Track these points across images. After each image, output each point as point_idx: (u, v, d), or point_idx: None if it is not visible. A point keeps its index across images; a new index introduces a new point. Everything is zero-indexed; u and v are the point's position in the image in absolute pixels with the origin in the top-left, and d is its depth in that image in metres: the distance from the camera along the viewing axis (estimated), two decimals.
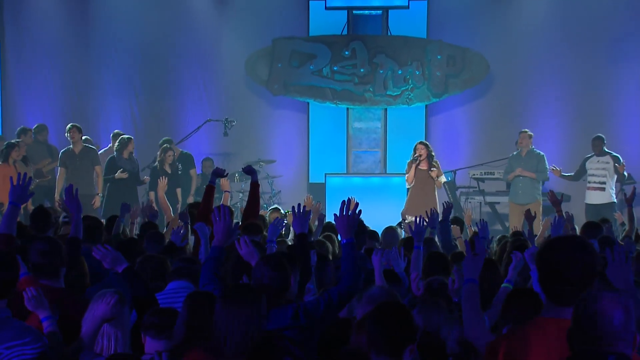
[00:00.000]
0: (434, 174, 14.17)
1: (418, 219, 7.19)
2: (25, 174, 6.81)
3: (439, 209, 13.95)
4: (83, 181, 14.56)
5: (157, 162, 15.27)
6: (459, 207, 16.27)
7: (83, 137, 15.08)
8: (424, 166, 14.27)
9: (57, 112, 17.85)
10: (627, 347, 3.48)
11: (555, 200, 9.73)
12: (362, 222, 8.02)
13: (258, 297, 4.51)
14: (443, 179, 14.58)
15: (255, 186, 8.97)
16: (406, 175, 14.44)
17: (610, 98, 17.08)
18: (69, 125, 14.99)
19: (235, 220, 6.26)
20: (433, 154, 14.36)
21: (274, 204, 15.86)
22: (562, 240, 4.02)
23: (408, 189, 14.52)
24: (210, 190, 8.70)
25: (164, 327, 4.76)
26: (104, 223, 9.44)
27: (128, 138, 15.15)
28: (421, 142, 14.60)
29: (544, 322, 3.88)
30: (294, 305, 5.27)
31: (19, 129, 15.78)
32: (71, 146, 14.82)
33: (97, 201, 14.72)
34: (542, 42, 17.18)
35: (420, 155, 14.24)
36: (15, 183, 6.52)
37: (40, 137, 15.97)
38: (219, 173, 9.12)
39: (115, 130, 16.17)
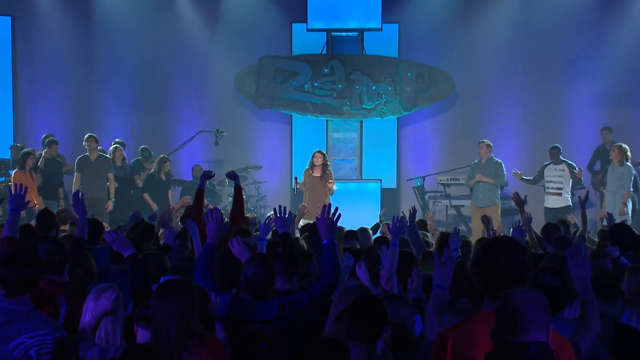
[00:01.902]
0: (330, 185, 14.36)
1: (396, 219, 7.11)
2: (21, 184, 6.84)
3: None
4: (96, 186, 14.56)
5: (153, 170, 15.34)
6: (428, 209, 16.31)
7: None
8: (317, 173, 14.39)
9: (64, 123, 17.78)
10: (543, 336, 3.50)
11: (519, 202, 9.77)
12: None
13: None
14: (334, 186, 14.55)
15: (238, 190, 8.88)
16: (300, 184, 14.64)
17: (563, 111, 17.19)
18: (86, 135, 14.98)
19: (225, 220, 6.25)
20: (328, 163, 14.57)
21: (260, 207, 15.91)
22: (500, 242, 3.99)
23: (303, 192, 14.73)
24: (200, 192, 8.63)
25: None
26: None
27: (115, 147, 15.23)
28: (319, 151, 14.69)
29: (487, 316, 3.82)
30: (280, 299, 5.28)
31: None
32: (87, 153, 14.77)
33: (110, 205, 14.68)
34: (502, 61, 17.25)
35: (314, 164, 14.50)
36: (14, 192, 6.56)
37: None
38: (207, 175, 9.05)
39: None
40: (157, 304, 4.33)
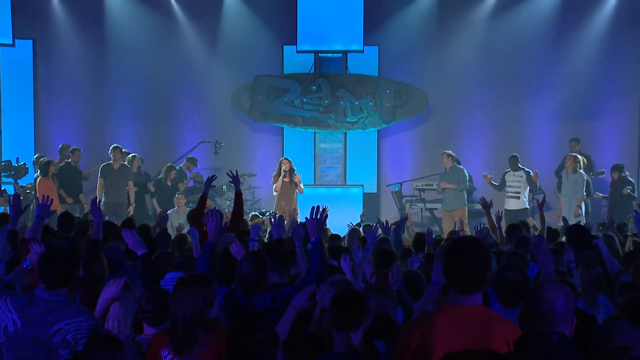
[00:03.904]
0: (300, 186, 14.67)
1: (373, 227, 7.21)
2: (48, 196, 7.02)
3: (299, 209, 14.22)
4: (117, 191, 14.59)
5: (160, 176, 15.40)
6: (405, 211, 16.41)
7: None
8: (286, 178, 14.51)
9: (79, 135, 17.72)
10: (566, 328, 3.47)
11: (485, 205, 9.89)
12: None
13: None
14: (302, 186, 14.86)
15: (239, 195, 8.82)
16: (274, 186, 14.71)
17: (524, 124, 17.30)
18: (113, 146, 15.09)
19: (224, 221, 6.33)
20: (294, 167, 14.75)
21: (255, 210, 15.95)
22: (465, 241, 3.93)
23: (275, 196, 14.81)
24: (203, 199, 8.64)
25: (157, 314, 4.78)
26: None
27: (133, 156, 15.29)
28: (286, 158, 14.84)
29: (449, 309, 3.81)
30: (272, 292, 5.28)
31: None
32: (111, 162, 14.80)
33: (132, 210, 14.67)
34: (471, 80, 17.34)
35: (286, 169, 14.58)
36: (41, 202, 6.77)
37: (66, 153, 15.96)
38: (211, 182, 9.05)
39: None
40: (172, 297, 4.46)
